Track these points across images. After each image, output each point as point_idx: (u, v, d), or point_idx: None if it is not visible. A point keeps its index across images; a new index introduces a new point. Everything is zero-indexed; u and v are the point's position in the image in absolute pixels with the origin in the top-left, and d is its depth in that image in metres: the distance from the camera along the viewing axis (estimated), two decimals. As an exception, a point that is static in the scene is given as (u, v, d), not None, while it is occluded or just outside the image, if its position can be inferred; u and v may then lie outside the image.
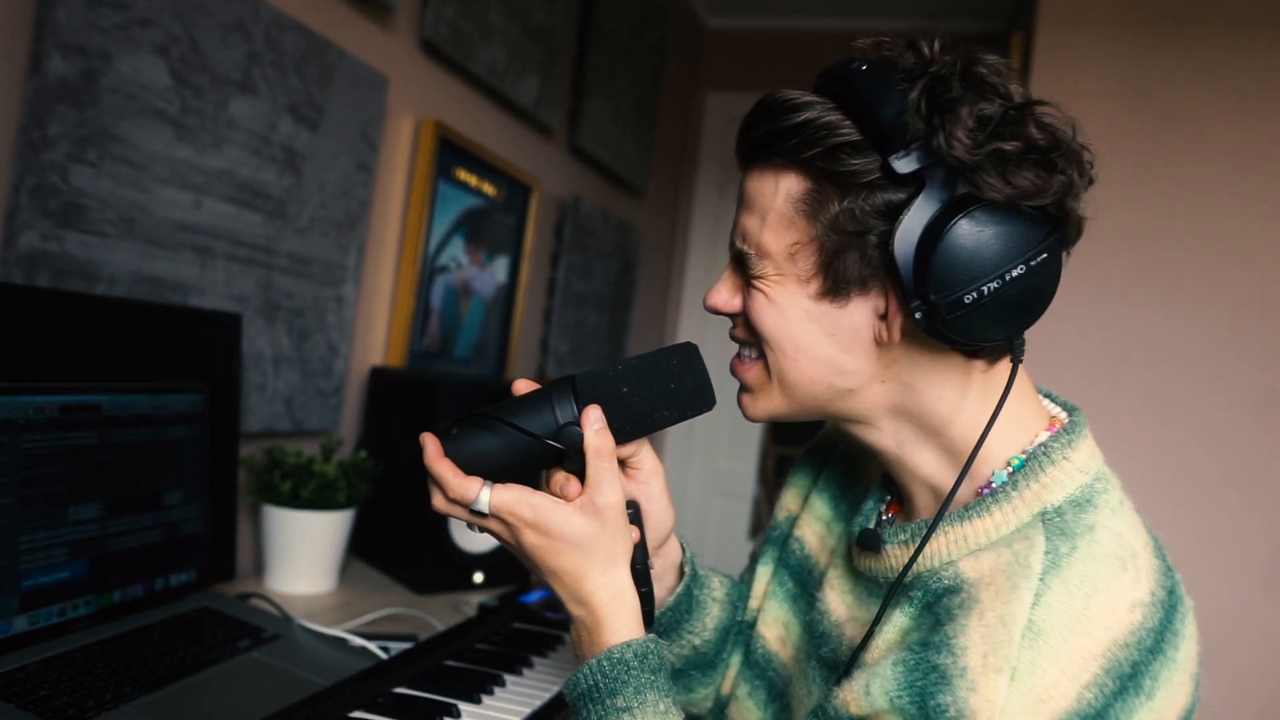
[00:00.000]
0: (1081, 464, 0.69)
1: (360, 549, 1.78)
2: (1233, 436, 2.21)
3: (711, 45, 3.94)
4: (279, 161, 1.57)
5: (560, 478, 0.75)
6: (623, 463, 0.80)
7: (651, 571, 0.80)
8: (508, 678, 1.16)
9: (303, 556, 1.54)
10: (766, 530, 0.97)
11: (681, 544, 0.91)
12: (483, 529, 0.76)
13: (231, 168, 1.47)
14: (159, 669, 1.02)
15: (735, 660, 0.93)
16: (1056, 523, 0.65)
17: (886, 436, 0.74)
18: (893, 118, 0.63)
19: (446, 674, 1.14)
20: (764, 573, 0.93)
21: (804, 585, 0.89)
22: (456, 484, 0.73)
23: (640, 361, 0.77)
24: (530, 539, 0.74)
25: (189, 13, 1.36)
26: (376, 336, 1.99)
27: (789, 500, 0.95)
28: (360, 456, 1.64)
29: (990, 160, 0.62)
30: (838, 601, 0.81)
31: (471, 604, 1.59)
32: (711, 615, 0.91)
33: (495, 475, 0.75)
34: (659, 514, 0.83)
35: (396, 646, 1.26)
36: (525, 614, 1.47)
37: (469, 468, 0.75)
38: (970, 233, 0.62)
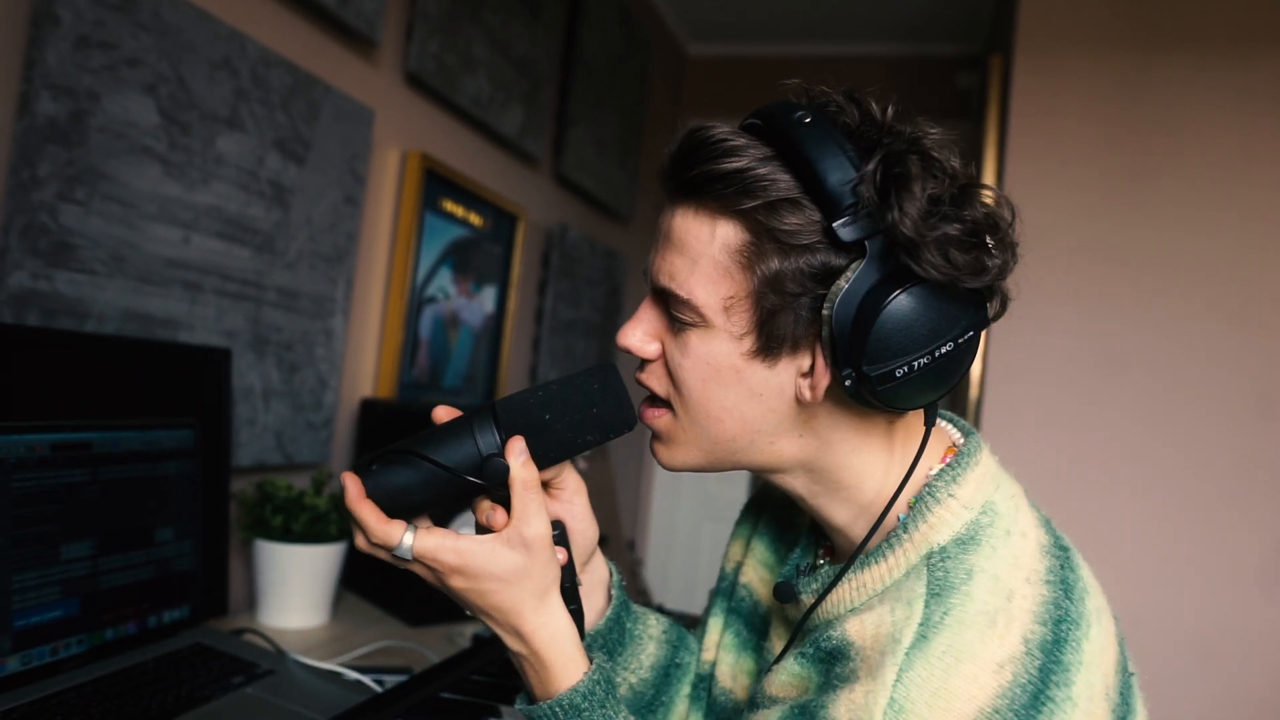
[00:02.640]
0: (967, 500, 0.69)
1: (352, 582, 1.77)
2: (1229, 439, 2.23)
3: (693, 71, 3.98)
4: (267, 196, 1.58)
5: (486, 507, 0.74)
6: (546, 485, 0.79)
7: (580, 589, 0.80)
8: (503, 709, 1.15)
9: (295, 590, 1.53)
10: (716, 583, 0.97)
11: (609, 567, 0.90)
12: (408, 571, 0.75)
13: (220, 203, 1.48)
14: (152, 707, 1.02)
15: (696, 717, 0.93)
16: (939, 571, 0.66)
17: (800, 486, 0.74)
18: (840, 184, 0.63)
19: (442, 706, 1.14)
20: (715, 625, 0.92)
21: (755, 630, 0.89)
22: (379, 529, 0.71)
23: (560, 386, 0.74)
24: (458, 583, 0.72)
25: (176, 51, 1.37)
26: (366, 368, 1.99)
27: (734, 550, 0.95)
28: (351, 488, 1.64)
29: (935, 240, 0.62)
30: (779, 644, 0.82)
31: (465, 635, 1.58)
32: (648, 652, 0.91)
33: (419, 510, 0.73)
34: (584, 530, 0.82)
35: (391, 679, 1.25)
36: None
37: (392, 505, 0.72)
38: (908, 308, 0.63)
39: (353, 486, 0.71)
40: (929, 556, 0.66)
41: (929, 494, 0.69)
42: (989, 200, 0.66)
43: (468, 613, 0.82)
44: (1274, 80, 2.25)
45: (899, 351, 0.63)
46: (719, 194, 0.67)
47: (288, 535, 1.52)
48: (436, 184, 2.11)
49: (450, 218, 2.19)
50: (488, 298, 2.43)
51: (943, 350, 0.64)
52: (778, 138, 0.66)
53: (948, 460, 0.72)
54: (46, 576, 1.05)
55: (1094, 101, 2.36)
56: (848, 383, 0.65)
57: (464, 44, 2.14)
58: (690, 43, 3.94)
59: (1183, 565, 2.23)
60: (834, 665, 0.65)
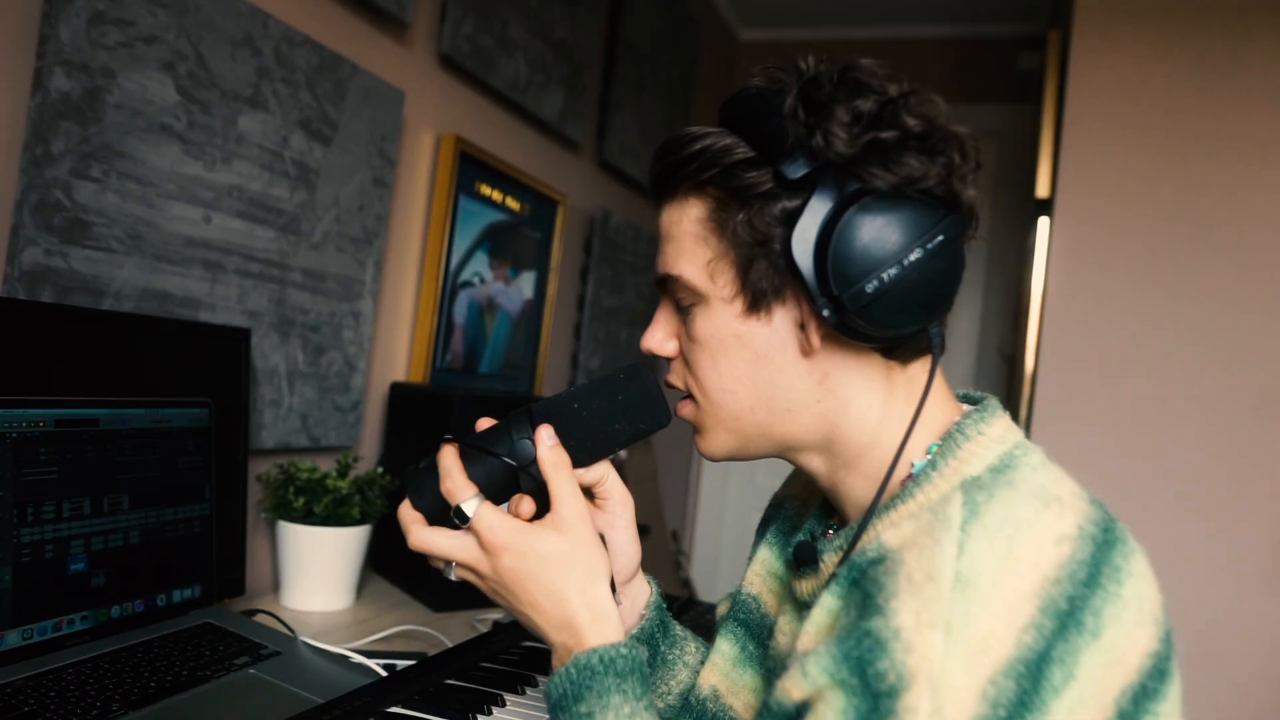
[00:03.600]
0: (997, 435, 0.69)
1: (381, 566, 1.76)
2: (1232, 436, 2.18)
3: (746, 57, 3.91)
4: (291, 177, 1.57)
5: (515, 498, 0.76)
6: (590, 493, 0.81)
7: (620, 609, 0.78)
8: (509, 697, 1.12)
9: (317, 573, 1.52)
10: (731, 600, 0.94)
11: (652, 587, 0.89)
12: (456, 562, 0.77)
13: (242, 183, 1.48)
14: (150, 686, 1.01)
15: None
16: (974, 485, 0.64)
17: (820, 464, 0.75)
18: (775, 128, 0.66)
19: (445, 693, 1.11)
20: (725, 644, 0.90)
21: (760, 643, 0.87)
22: (459, 478, 0.74)
23: (591, 381, 0.79)
24: (507, 561, 0.73)
25: (196, 29, 1.36)
26: (398, 353, 1.98)
27: (748, 571, 0.92)
28: (376, 472, 1.62)
29: (870, 150, 0.64)
30: (786, 639, 0.79)
31: (486, 621, 1.56)
32: (679, 679, 0.89)
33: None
34: (624, 546, 0.83)
35: (402, 664, 1.23)
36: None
37: (435, 500, 0.76)
38: (862, 224, 0.64)
39: (452, 453, 0.76)
40: (963, 484, 0.64)
41: (957, 431, 0.69)
42: (926, 105, 0.66)
43: (500, 608, 0.84)
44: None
45: (864, 268, 0.64)
46: (685, 176, 0.72)
47: (309, 517, 1.51)
48: (472, 167, 2.08)
49: (487, 201, 2.17)
50: (526, 283, 2.41)
51: (911, 258, 0.64)
52: (731, 116, 0.71)
53: (968, 412, 0.72)
54: (49, 552, 1.05)
55: (1154, 74, 2.24)
56: (825, 313, 0.65)
57: (500, 25, 2.12)
58: (743, 28, 3.86)
59: (1183, 565, 2.16)
60: (868, 571, 0.62)
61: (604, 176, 2.83)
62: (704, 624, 1.08)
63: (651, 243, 3.10)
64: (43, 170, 1.18)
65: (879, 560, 0.61)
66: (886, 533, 0.64)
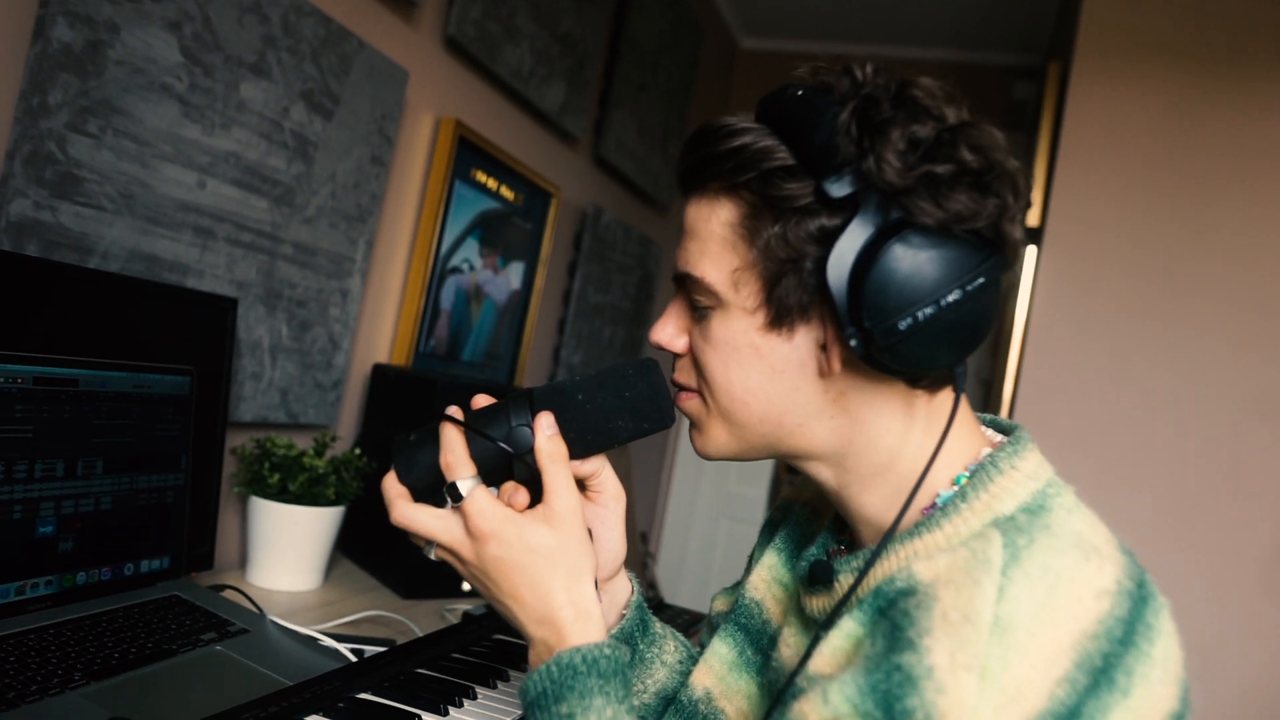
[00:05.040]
0: (1030, 472, 0.66)
1: (350, 549, 1.74)
2: (1232, 437, 2.20)
3: (745, 65, 3.91)
4: (289, 148, 1.55)
5: (509, 487, 0.73)
6: (584, 485, 0.79)
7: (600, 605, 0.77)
8: (480, 690, 1.11)
9: (287, 551, 1.50)
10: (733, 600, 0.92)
11: (633, 585, 0.87)
12: (438, 543, 0.74)
13: (239, 150, 1.45)
14: (114, 656, 0.98)
15: None
16: (1010, 526, 0.62)
17: (831, 476, 0.73)
18: (824, 141, 0.63)
19: (416, 682, 1.09)
20: (722, 646, 0.88)
21: (760, 649, 0.86)
22: (459, 454, 0.72)
23: (598, 373, 0.76)
24: (493, 550, 0.70)
25: (204, -10, 1.33)
26: (382, 334, 1.96)
27: (752, 574, 0.91)
28: (354, 454, 1.60)
29: (922, 183, 0.61)
30: (791, 653, 0.78)
31: (456, 611, 1.54)
32: (655, 678, 0.87)
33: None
34: (611, 543, 0.81)
35: (370, 650, 1.21)
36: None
37: (424, 476, 0.74)
38: (904, 257, 0.61)
39: (454, 430, 0.73)
40: (995, 522, 0.63)
41: (990, 463, 0.66)
42: (986, 140, 0.63)
43: (476, 594, 0.81)
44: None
45: (900, 304, 0.60)
46: (719, 173, 0.68)
47: (283, 494, 1.49)
48: (469, 153, 2.06)
49: (481, 189, 2.15)
50: (515, 274, 2.39)
51: (949, 299, 0.61)
52: (774, 115, 0.67)
53: (1000, 444, 0.70)
54: (17, 513, 1.02)
55: (1150, 115, 2.27)
56: (853, 342, 0.62)
57: (508, 13, 2.10)
58: (744, 36, 3.87)
59: (1183, 565, 2.19)
60: (898, 603, 0.60)
61: (599, 172, 2.81)
62: (674, 627, 1.07)
63: (641, 242, 3.09)
64: (38, 121, 1.15)
65: (910, 592, 0.60)
66: (918, 564, 0.62)
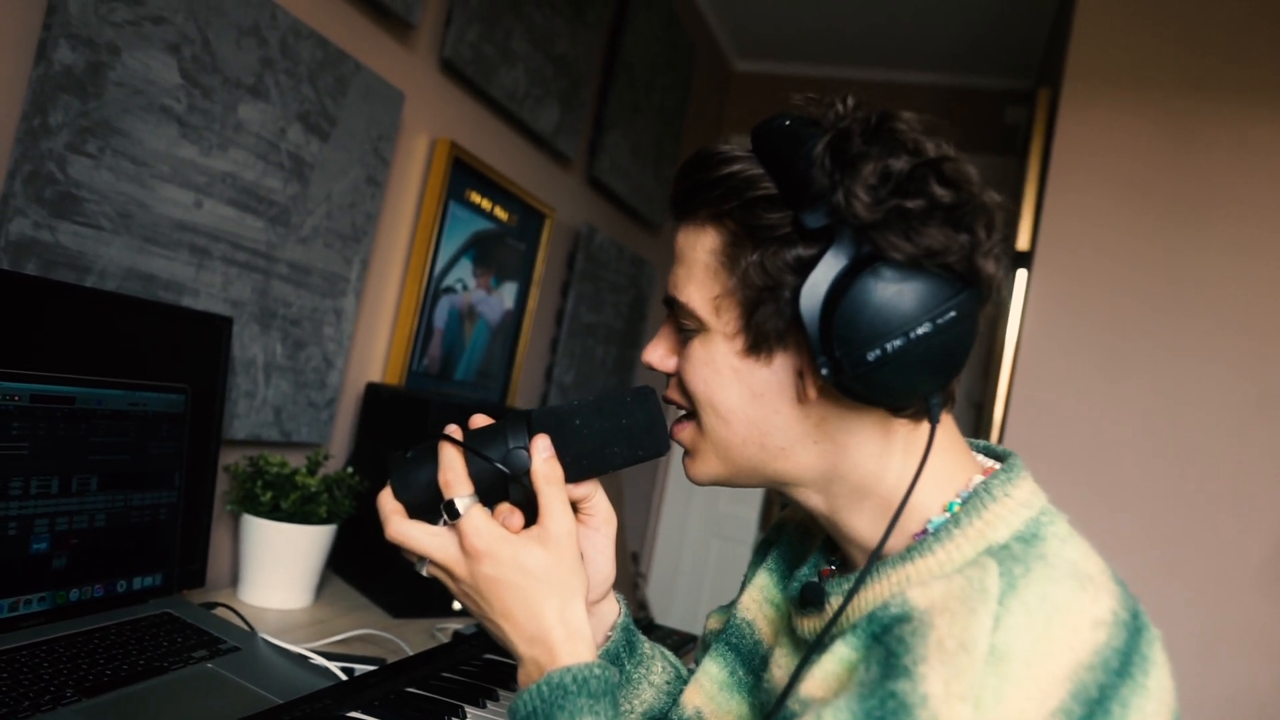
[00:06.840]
0: (1024, 499, 0.67)
1: (341, 567, 1.74)
2: (1231, 437, 2.22)
3: (738, 88, 3.94)
4: (286, 168, 1.56)
5: (504, 509, 0.74)
6: (577, 508, 0.79)
7: None
8: (469, 709, 1.11)
9: (279, 569, 1.50)
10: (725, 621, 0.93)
11: (621, 607, 0.88)
12: (432, 560, 0.74)
13: (236, 171, 1.46)
14: (106, 673, 0.99)
15: None
16: (1005, 554, 0.63)
17: (820, 501, 0.74)
18: (803, 173, 0.64)
19: (405, 701, 1.10)
20: (713, 665, 0.88)
21: (751, 669, 0.86)
22: (459, 471, 0.73)
23: (596, 399, 0.77)
24: (486, 569, 0.71)
25: (204, 13, 1.35)
26: (376, 353, 1.97)
27: (744, 594, 0.91)
28: (346, 472, 1.61)
29: (893, 217, 0.61)
30: (782, 674, 0.78)
31: (447, 631, 1.54)
32: (642, 698, 0.88)
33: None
34: (601, 566, 0.81)
35: (361, 669, 1.22)
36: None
37: (421, 493, 0.74)
38: (874, 290, 0.61)
39: (453, 449, 0.75)
40: (988, 550, 0.63)
41: (983, 491, 0.67)
42: (961, 174, 0.64)
43: (466, 614, 0.81)
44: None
45: (870, 336, 0.61)
46: (708, 200, 0.70)
47: (276, 512, 1.49)
48: (464, 174, 2.08)
49: (475, 209, 2.16)
50: (508, 294, 2.40)
51: (918, 332, 0.62)
52: (762, 146, 0.68)
53: (992, 472, 0.71)
54: (12, 529, 1.03)
55: (1139, 139, 2.30)
56: (824, 371, 0.63)
57: (503, 35, 2.12)
58: (738, 58, 3.91)
59: (1182, 565, 2.20)
60: (893, 629, 0.60)
61: (592, 193, 2.84)
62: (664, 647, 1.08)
63: (634, 262, 3.11)
64: (39, 141, 1.16)
65: (905, 619, 0.60)
66: (913, 590, 0.62)
